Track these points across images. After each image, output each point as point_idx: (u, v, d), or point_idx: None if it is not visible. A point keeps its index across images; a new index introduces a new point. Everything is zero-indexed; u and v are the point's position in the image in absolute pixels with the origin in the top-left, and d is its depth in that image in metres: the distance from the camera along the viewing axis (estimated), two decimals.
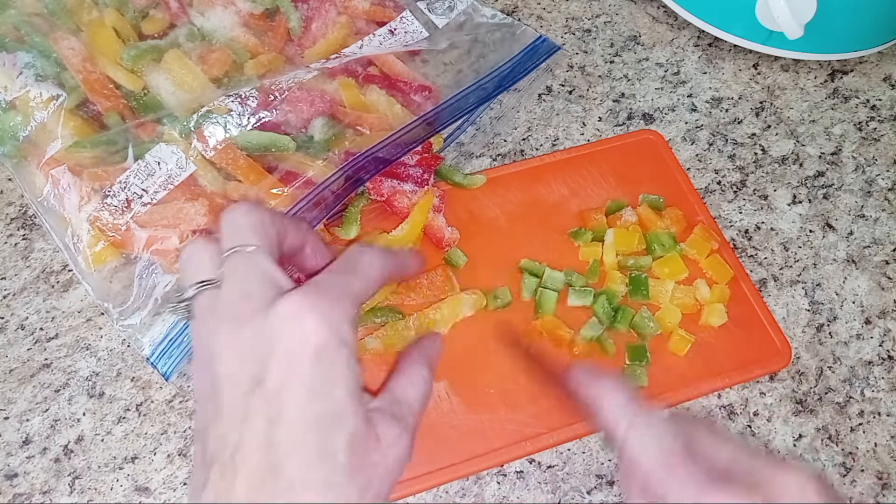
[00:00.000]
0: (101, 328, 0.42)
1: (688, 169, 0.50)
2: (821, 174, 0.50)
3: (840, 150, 0.51)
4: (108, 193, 0.39)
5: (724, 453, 0.28)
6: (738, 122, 0.52)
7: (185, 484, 0.37)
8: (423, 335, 0.37)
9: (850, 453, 0.39)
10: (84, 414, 0.39)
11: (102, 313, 0.42)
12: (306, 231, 0.34)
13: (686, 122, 0.52)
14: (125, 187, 0.39)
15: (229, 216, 0.30)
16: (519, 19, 0.57)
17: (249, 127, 0.41)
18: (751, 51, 0.56)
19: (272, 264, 0.29)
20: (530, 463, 0.39)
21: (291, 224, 0.33)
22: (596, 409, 0.31)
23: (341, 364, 0.27)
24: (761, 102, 0.54)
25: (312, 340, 0.26)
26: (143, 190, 0.39)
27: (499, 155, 0.50)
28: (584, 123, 0.52)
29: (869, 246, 0.47)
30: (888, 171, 0.51)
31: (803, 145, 0.52)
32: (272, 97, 0.42)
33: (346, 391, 0.26)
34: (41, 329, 0.42)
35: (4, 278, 0.44)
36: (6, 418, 0.39)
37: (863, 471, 0.39)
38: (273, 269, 0.29)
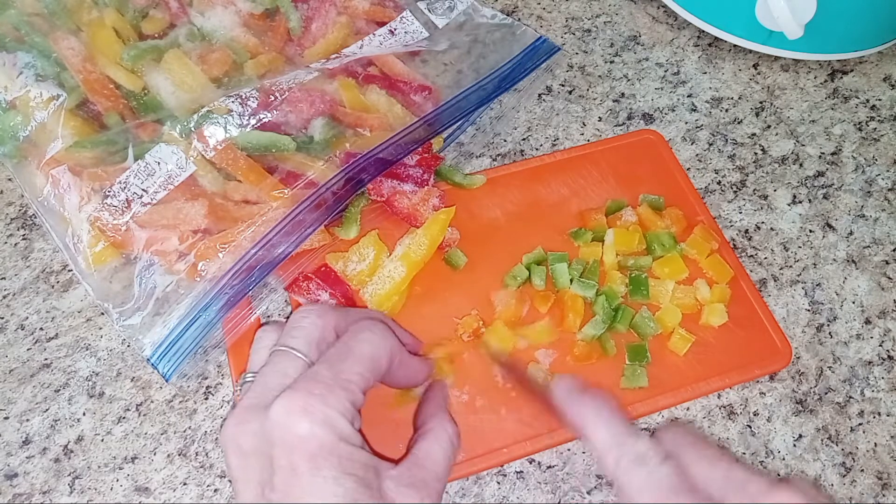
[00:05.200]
0: (101, 328, 0.42)
1: (688, 169, 0.50)
2: (821, 174, 0.50)
3: (840, 150, 0.51)
4: (108, 193, 0.39)
5: (718, 475, 0.28)
6: (738, 122, 0.52)
7: (184, 484, 0.37)
8: (432, 386, 0.37)
9: (850, 453, 0.39)
10: (84, 414, 0.39)
11: (102, 313, 0.42)
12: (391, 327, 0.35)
13: (686, 122, 0.52)
14: (125, 187, 0.39)
15: (298, 315, 0.33)
16: (519, 19, 0.57)
17: (250, 127, 0.41)
18: (751, 51, 0.56)
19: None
20: (530, 463, 0.39)
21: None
22: (582, 433, 0.31)
23: (342, 460, 0.27)
24: (761, 102, 0.54)
25: (306, 447, 0.27)
26: (143, 190, 0.39)
27: (499, 155, 0.50)
28: (584, 123, 0.52)
29: (869, 246, 0.47)
30: (888, 171, 0.51)
31: (803, 145, 0.52)
32: (272, 97, 0.42)
33: (353, 482, 0.27)
34: (41, 329, 0.42)
35: (4, 278, 0.44)
36: (6, 418, 0.39)
37: (863, 471, 0.39)
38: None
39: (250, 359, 0.34)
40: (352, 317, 0.34)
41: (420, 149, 0.44)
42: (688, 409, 0.40)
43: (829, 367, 0.42)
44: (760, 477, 0.27)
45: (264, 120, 0.42)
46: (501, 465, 0.38)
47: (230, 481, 0.30)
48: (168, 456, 0.38)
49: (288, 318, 0.36)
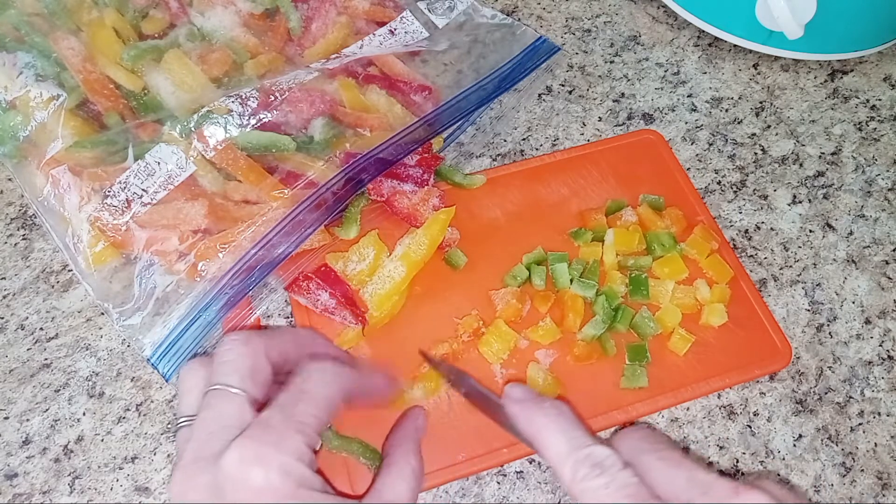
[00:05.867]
0: (101, 328, 0.42)
1: (688, 169, 0.50)
2: (821, 174, 0.50)
3: (840, 150, 0.51)
4: (108, 193, 0.39)
5: (681, 479, 0.27)
6: (738, 122, 0.52)
7: None
8: (405, 414, 0.36)
9: (850, 453, 0.39)
10: (84, 414, 0.39)
11: (102, 313, 0.42)
12: (322, 346, 0.35)
13: (686, 122, 0.52)
14: (125, 187, 0.39)
15: (223, 349, 0.31)
16: (519, 19, 0.57)
17: (250, 127, 0.41)
18: (751, 51, 0.56)
19: (247, 409, 0.29)
20: (530, 463, 0.39)
21: (294, 345, 0.33)
22: (537, 446, 0.30)
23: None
24: (761, 102, 0.54)
25: (263, 498, 0.26)
26: (143, 190, 0.39)
27: (499, 155, 0.50)
28: (584, 123, 0.52)
29: (869, 246, 0.47)
30: (888, 171, 0.51)
31: (803, 145, 0.52)
32: (272, 97, 0.42)
33: None
34: (41, 329, 0.42)
35: (4, 278, 0.44)
36: (6, 418, 0.39)
37: (863, 471, 0.39)
38: (246, 414, 0.29)
39: (180, 401, 0.32)
40: (281, 337, 0.33)
41: (420, 149, 0.44)
42: (688, 409, 0.40)
43: (829, 367, 0.42)
44: (725, 480, 0.26)
45: (264, 120, 0.42)
46: (501, 465, 0.38)
47: None
48: (168, 456, 0.38)
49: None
